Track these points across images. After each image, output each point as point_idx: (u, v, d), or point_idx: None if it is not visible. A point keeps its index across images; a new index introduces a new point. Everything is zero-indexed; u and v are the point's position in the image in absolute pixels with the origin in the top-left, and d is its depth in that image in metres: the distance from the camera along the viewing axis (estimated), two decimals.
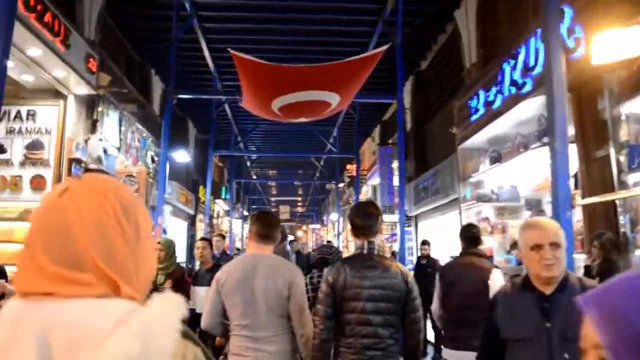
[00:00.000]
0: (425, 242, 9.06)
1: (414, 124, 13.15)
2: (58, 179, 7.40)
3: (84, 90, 7.74)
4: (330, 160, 21.54)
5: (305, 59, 10.02)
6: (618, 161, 4.90)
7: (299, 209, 41.94)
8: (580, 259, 5.07)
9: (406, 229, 10.71)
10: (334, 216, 25.56)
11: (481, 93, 7.77)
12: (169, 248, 5.53)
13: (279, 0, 9.56)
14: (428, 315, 8.64)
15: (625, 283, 0.72)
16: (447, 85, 11.13)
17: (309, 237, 41.91)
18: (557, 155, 3.24)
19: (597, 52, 4.69)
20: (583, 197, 5.29)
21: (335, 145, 18.16)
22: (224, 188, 22.02)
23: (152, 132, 11.14)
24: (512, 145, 7.11)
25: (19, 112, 7.48)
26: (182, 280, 5.53)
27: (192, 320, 5.70)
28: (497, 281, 3.69)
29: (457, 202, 9.04)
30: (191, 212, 16.71)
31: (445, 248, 10.00)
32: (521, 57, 6.44)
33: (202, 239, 6.43)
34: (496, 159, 7.54)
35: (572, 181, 4.86)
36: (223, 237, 9.17)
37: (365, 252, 2.83)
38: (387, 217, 13.84)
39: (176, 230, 14.59)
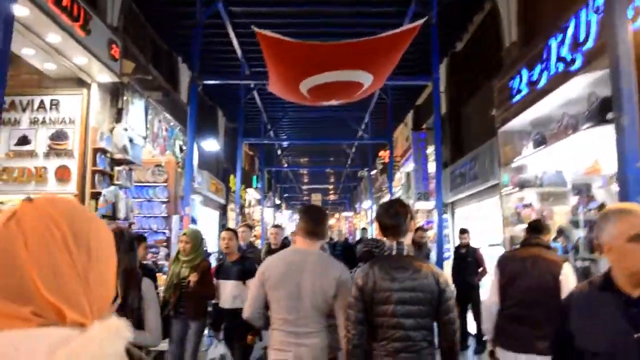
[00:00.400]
0: (464, 231, 8.68)
1: (448, 108, 12.65)
2: (83, 169, 7.25)
3: (107, 78, 7.55)
4: (362, 146, 21.11)
5: None
6: None
7: (331, 197, 41.80)
8: None
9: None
10: (366, 204, 25.18)
11: (524, 72, 7.23)
12: (195, 240, 5.29)
13: None
14: (469, 307, 8.42)
15: None
16: (484, 66, 10.59)
17: (342, 225, 41.77)
18: (624, 131, 2.80)
19: None
20: None
21: (367, 132, 17.77)
22: (255, 177, 21.89)
23: (180, 120, 10.92)
24: (559, 126, 6.57)
25: (42, 102, 7.32)
26: (207, 273, 5.29)
27: (217, 315, 5.48)
28: (569, 277, 3.30)
29: (496, 188, 8.61)
30: (222, 201, 16.57)
31: (482, 236, 9.59)
32: (570, 31, 5.89)
33: (228, 229, 6.17)
34: (540, 142, 7.02)
35: None
36: (250, 227, 8.85)
37: (394, 252, 2.76)
38: (422, 205, 13.54)
39: (207, 220, 14.49)
